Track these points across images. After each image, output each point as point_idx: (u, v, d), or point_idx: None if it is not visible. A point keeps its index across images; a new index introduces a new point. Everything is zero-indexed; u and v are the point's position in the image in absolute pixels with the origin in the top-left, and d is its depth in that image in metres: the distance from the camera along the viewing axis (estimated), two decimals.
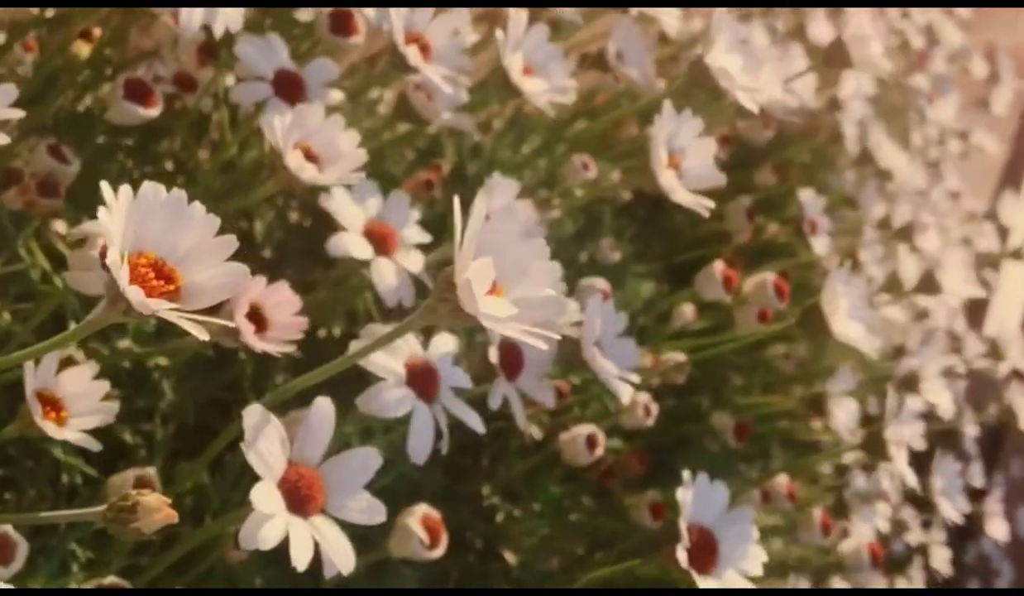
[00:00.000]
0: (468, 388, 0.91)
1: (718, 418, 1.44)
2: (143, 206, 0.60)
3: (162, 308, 0.58)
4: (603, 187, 1.40)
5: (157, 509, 0.63)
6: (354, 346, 0.80)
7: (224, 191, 1.16)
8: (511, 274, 0.66)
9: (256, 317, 0.83)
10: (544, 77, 1.08)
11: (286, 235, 1.27)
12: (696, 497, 0.92)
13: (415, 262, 1.01)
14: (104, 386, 0.80)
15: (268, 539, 0.67)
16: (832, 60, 1.22)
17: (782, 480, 1.39)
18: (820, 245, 1.55)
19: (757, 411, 1.50)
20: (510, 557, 1.30)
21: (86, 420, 0.79)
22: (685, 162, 1.03)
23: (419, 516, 0.96)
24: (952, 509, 1.48)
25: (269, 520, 0.67)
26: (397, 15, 0.99)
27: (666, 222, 1.72)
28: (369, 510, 0.73)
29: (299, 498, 0.70)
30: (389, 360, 0.86)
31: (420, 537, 0.95)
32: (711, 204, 1.02)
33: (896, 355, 1.65)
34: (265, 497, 0.67)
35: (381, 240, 1.00)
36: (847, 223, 1.77)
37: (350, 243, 0.97)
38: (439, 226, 1.32)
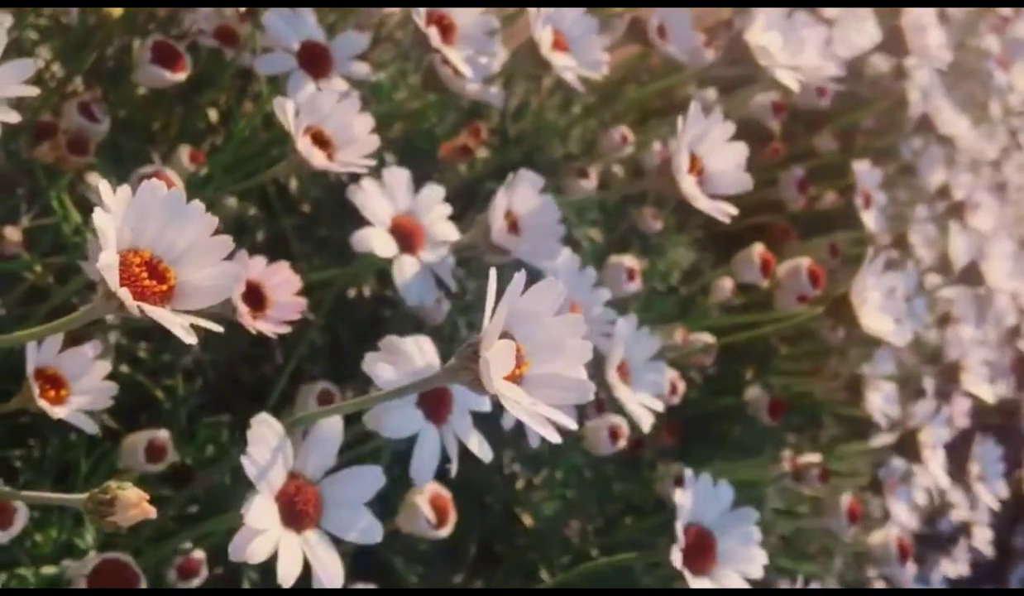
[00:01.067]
0: (486, 411, 0.88)
1: (753, 393, 1.41)
2: (142, 204, 0.61)
3: (151, 309, 0.59)
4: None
5: (134, 504, 0.64)
6: (368, 359, 0.80)
7: (264, 145, 1.15)
8: (543, 348, 0.64)
9: (257, 295, 0.83)
10: (577, 51, 1.05)
11: (323, 192, 1.26)
12: (697, 497, 0.90)
13: (440, 256, 0.98)
14: (106, 366, 0.81)
15: (257, 554, 0.67)
16: (889, 47, 1.18)
17: (814, 460, 1.38)
18: (872, 219, 1.50)
19: (795, 388, 1.47)
20: (528, 520, 1.30)
21: (86, 399, 0.80)
22: (710, 166, 0.99)
23: (428, 495, 0.97)
24: (989, 495, 1.46)
25: (259, 535, 0.67)
26: None
27: None
28: (366, 529, 0.73)
29: (294, 513, 0.70)
30: (400, 376, 0.84)
31: (427, 516, 0.95)
32: (734, 211, 0.99)
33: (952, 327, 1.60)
34: (258, 512, 0.67)
35: (408, 236, 0.97)
36: (905, 194, 1.71)
37: (374, 240, 0.95)
38: (474, 190, 1.30)
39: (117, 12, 1.00)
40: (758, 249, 1.24)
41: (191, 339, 0.59)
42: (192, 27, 1.13)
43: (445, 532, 0.98)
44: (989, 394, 1.41)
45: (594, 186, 1.23)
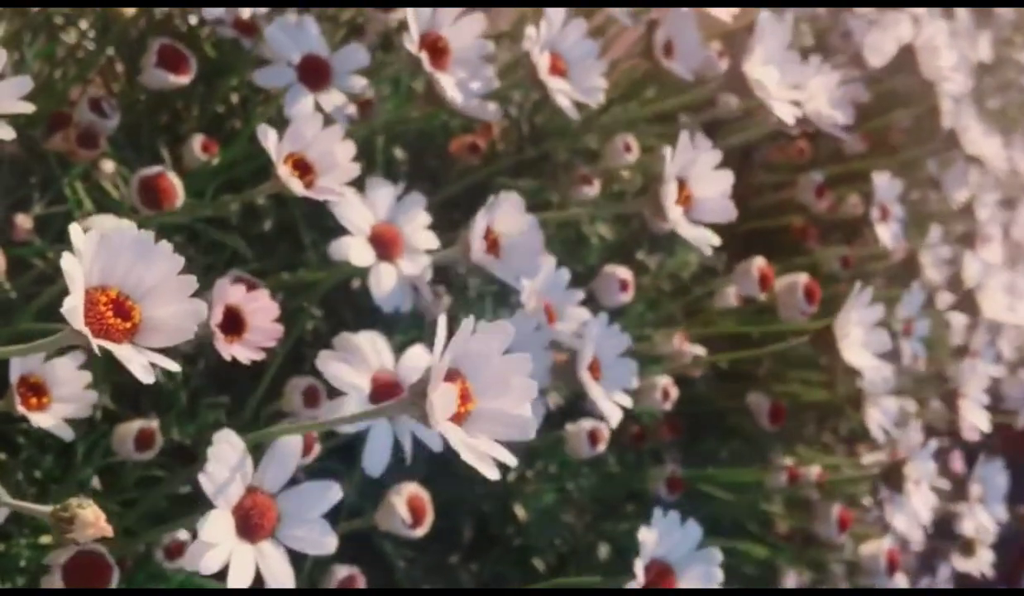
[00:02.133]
0: None
1: (754, 398, 1.43)
2: (111, 246, 0.64)
3: (111, 346, 0.62)
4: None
5: (91, 524, 0.67)
6: (322, 356, 0.83)
7: None
8: (490, 386, 0.68)
9: (236, 320, 0.86)
10: (575, 74, 1.07)
11: None
12: (663, 535, 0.93)
13: (419, 267, 1.01)
14: (87, 376, 0.84)
15: (210, 566, 0.71)
16: (901, 66, 1.18)
17: (813, 468, 1.39)
18: (887, 234, 1.50)
19: (798, 398, 1.49)
20: (521, 513, 1.34)
21: (67, 407, 0.84)
22: (697, 193, 1.01)
23: (405, 495, 1.00)
24: (988, 516, 1.46)
25: (212, 548, 0.71)
26: (414, 17, 0.98)
27: (736, 187, 1.67)
28: (319, 541, 0.77)
29: (250, 525, 0.74)
30: (353, 375, 0.88)
31: (402, 516, 0.99)
32: (716, 241, 1.00)
33: (957, 355, 1.59)
34: (213, 527, 0.71)
35: (386, 244, 1.00)
36: (926, 208, 1.70)
37: (351, 249, 0.97)
38: (486, 188, 1.32)
39: (129, 12, 1.03)
40: (757, 263, 1.25)
41: (148, 378, 0.63)
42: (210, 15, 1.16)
43: (421, 532, 1.01)
44: (985, 422, 1.41)
45: (597, 193, 1.24)
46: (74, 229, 0.63)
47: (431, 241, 1.03)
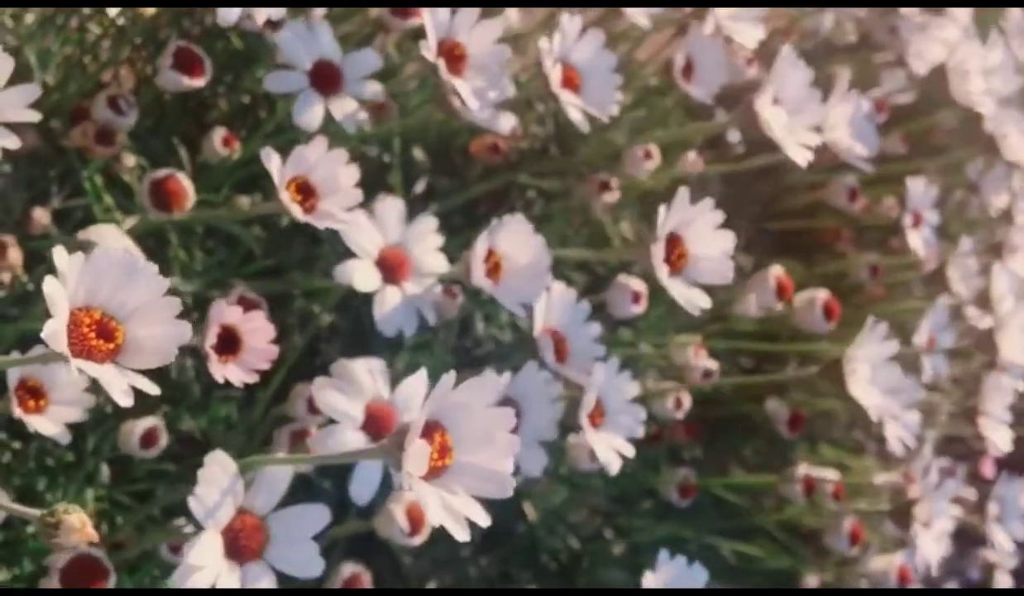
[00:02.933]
0: None
1: (773, 405, 1.42)
2: (97, 267, 0.65)
3: (90, 368, 0.64)
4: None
5: (77, 530, 0.69)
6: (317, 384, 0.83)
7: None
8: (471, 439, 0.68)
9: (232, 339, 0.87)
10: (589, 86, 1.06)
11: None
12: (667, 579, 0.93)
13: (424, 290, 1.00)
14: (84, 379, 0.85)
15: (197, 586, 0.72)
16: (931, 85, 1.16)
17: (831, 476, 1.38)
18: (919, 241, 1.47)
19: (819, 405, 1.47)
20: (530, 512, 1.34)
21: (65, 410, 0.86)
22: (694, 251, 0.99)
23: (404, 504, 1.01)
24: (1005, 537, 1.45)
25: (198, 571, 0.72)
26: (432, 20, 0.97)
27: (769, 185, 1.65)
28: (307, 564, 0.77)
29: (238, 547, 0.75)
30: (346, 403, 0.88)
31: (401, 525, 1.00)
32: (706, 304, 0.99)
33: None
34: (200, 550, 0.72)
35: (393, 268, 0.99)
36: (966, 214, 1.66)
37: (355, 273, 0.97)
38: (507, 189, 1.32)
39: (150, 11, 1.03)
40: (774, 271, 1.24)
41: (127, 401, 0.63)
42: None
43: (419, 540, 1.02)
44: (1006, 441, 1.39)
45: (616, 198, 1.23)
46: (58, 252, 0.64)
47: (441, 264, 1.02)
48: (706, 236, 0.99)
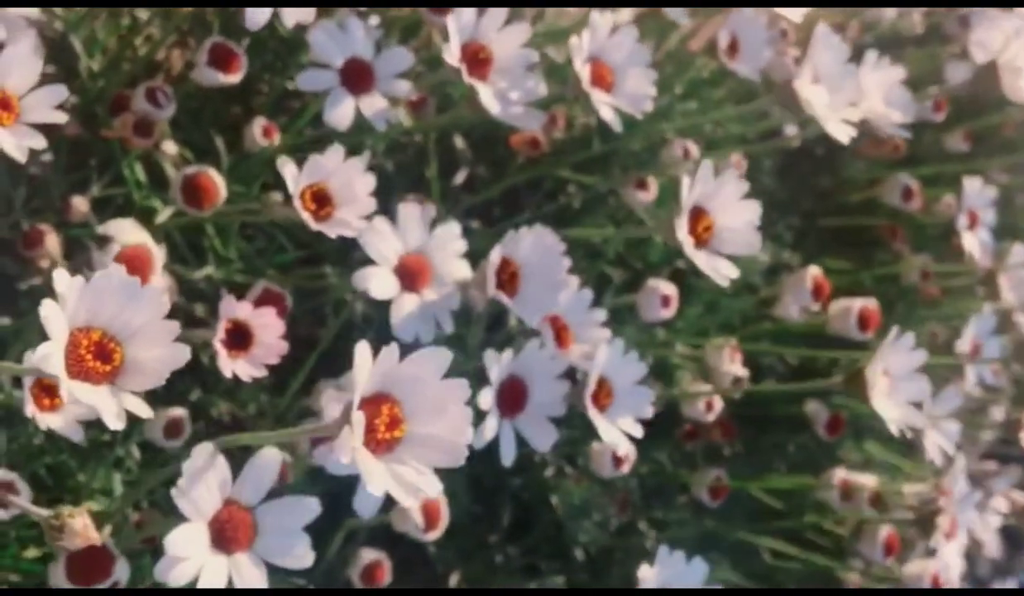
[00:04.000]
0: None
1: (812, 407, 1.40)
2: (98, 288, 0.67)
3: (80, 391, 0.65)
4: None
5: (79, 533, 0.72)
6: (325, 396, 0.85)
7: None
8: (424, 410, 0.68)
9: (244, 335, 0.89)
10: (621, 83, 1.05)
11: (396, 163, 1.29)
12: (666, 573, 0.93)
13: (445, 296, 1.01)
14: None
15: (179, 579, 0.74)
16: (981, 81, 1.14)
17: (868, 481, 1.36)
18: (975, 243, 1.43)
19: (857, 409, 1.45)
20: (558, 506, 1.35)
21: (79, 408, 0.87)
22: (720, 222, 0.98)
23: (420, 500, 1.02)
24: None
25: (181, 562, 0.74)
26: (456, 27, 0.97)
27: (824, 180, 1.62)
28: (298, 555, 0.77)
29: (224, 538, 0.76)
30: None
31: (416, 521, 1.01)
32: (735, 274, 0.98)
33: None
34: (179, 541, 0.73)
35: (413, 275, 1.00)
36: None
37: (372, 280, 0.98)
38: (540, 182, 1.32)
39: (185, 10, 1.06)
40: (812, 272, 1.22)
41: (118, 424, 0.65)
42: None
43: (434, 535, 1.03)
44: None
45: (652, 197, 1.23)
46: (59, 275, 0.65)
47: (463, 270, 1.02)
48: (731, 207, 0.99)
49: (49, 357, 0.63)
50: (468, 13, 0.99)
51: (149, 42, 1.21)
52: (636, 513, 1.39)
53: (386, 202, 1.21)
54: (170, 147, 1.13)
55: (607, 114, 1.05)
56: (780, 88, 1.06)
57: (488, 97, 0.99)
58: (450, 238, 1.02)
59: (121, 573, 0.83)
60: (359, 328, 1.26)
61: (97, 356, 0.66)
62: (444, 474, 0.69)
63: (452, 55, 0.98)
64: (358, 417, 0.65)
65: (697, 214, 0.98)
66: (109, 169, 1.13)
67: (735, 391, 1.18)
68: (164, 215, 1.08)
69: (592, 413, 1.00)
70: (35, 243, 0.99)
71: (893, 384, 1.00)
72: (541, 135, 1.24)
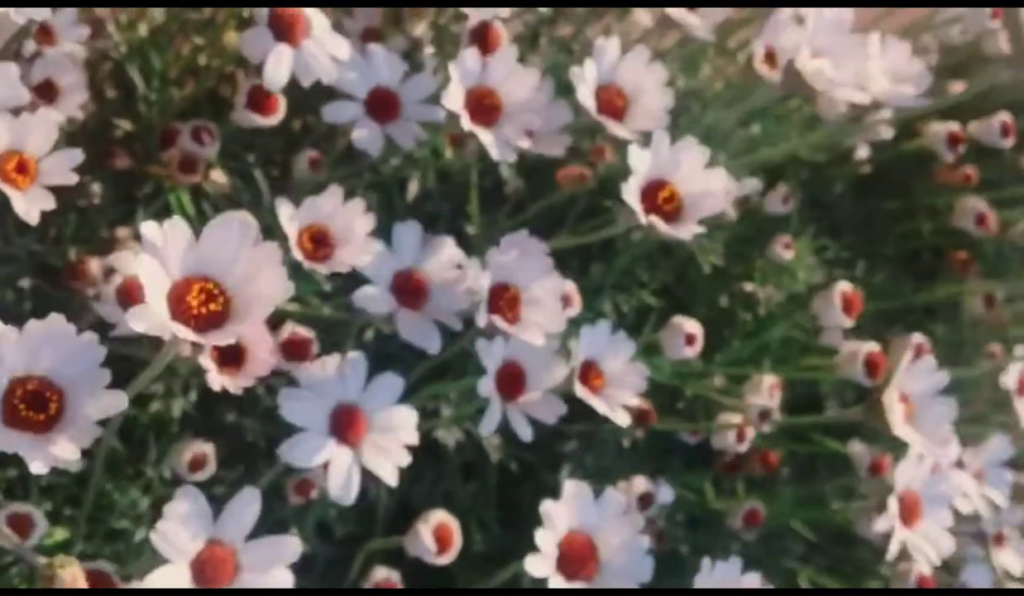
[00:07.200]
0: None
1: (855, 448, 1.37)
2: (33, 338, 0.72)
3: (10, 439, 0.70)
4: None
5: (67, 583, 0.75)
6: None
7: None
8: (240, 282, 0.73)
9: (237, 350, 0.91)
10: (637, 106, 1.03)
11: (442, 191, 1.31)
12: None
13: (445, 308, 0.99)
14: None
15: None
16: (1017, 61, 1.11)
17: None
18: None
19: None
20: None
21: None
22: (686, 191, 0.96)
23: (433, 524, 1.05)
24: None
25: None
26: (458, 74, 0.97)
27: (897, 204, 1.58)
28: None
29: (205, 578, 0.79)
30: (312, 408, 0.90)
31: (428, 546, 1.04)
32: (700, 230, 0.96)
33: None
34: (160, 583, 0.77)
35: (411, 292, 0.99)
36: None
37: (368, 298, 0.98)
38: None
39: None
40: (841, 287, 1.20)
41: (42, 470, 0.69)
42: None
43: (447, 559, 1.06)
44: None
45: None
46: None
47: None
48: (695, 176, 0.97)
49: None
50: (471, 58, 0.99)
51: (208, 71, 1.26)
52: (676, 542, 1.38)
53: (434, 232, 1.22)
54: (219, 176, 1.18)
55: (623, 134, 1.02)
56: (786, 74, 1.04)
57: (490, 143, 0.99)
58: (443, 249, 1.02)
59: None
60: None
61: (31, 406, 0.71)
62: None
63: (456, 102, 0.98)
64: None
65: (656, 185, 0.96)
66: (158, 199, 1.18)
67: (763, 425, 1.17)
68: None
69: (586, 396, 0.98)
70: (79, 274, 1.05)
71: (915, 409, 0.99)
72: (589, 169, 1.23)
